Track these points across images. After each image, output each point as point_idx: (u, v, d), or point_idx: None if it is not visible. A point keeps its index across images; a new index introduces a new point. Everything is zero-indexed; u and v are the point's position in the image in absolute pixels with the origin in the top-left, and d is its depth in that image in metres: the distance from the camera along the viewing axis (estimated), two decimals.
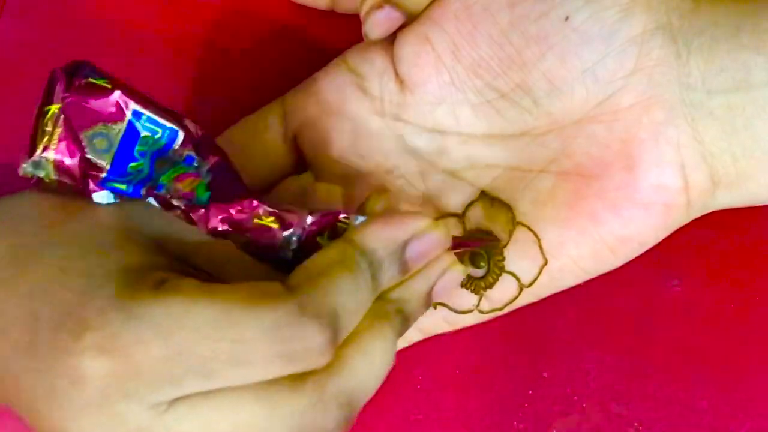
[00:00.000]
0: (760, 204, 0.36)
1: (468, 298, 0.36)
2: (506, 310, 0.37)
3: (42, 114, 0.30)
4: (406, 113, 0.37)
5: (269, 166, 0.38)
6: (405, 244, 0.32)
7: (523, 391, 0.40)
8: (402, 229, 0.32)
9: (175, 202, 0.31)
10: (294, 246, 0.32)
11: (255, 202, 0.32)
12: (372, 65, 0.37)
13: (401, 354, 0.37)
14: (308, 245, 0.32)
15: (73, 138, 0.30)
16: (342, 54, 0.38)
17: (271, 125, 0.38)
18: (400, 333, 0.32)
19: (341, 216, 0.32)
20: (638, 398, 0.39)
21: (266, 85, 0.40)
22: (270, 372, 0.28)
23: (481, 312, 0.37)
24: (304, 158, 0.38)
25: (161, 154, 0.31)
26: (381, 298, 0.32)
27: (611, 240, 0.35)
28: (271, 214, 0.32)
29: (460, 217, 0.36)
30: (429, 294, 0.33)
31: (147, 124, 0.31)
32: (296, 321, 0.28)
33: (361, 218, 0.32)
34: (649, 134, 0.34)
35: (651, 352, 0.40)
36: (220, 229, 0.31)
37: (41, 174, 0.31)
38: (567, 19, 0.34)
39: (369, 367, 0.31)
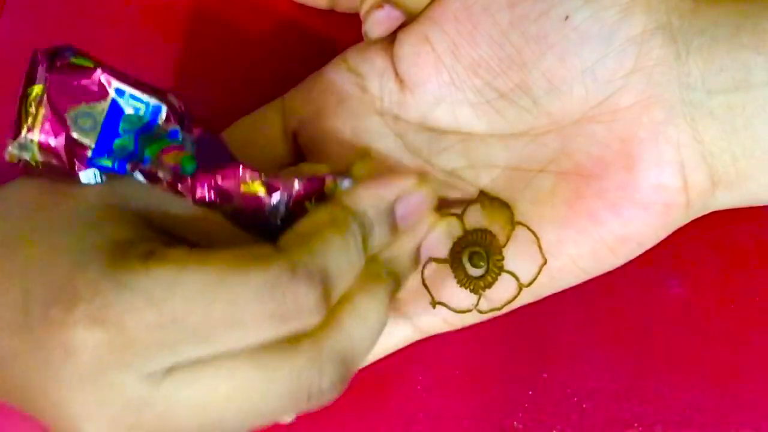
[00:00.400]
0: (760, 204, 0.36)
1: (467, 298, 0.36)
2: (505, 309, 0.37)
3: (25, 96, 0.30)
4: (405, 112, 0.37)
5: (269, 165, 0.38)
6: (393, 204, 0.32)
7: (523, 391, 0.40)
8: (390, 189, 0.32)
9: (160, 174, 0.31)
10: (282, 212, 0.32)
11: (240, 168, 0.32)
12: (372, 65, 0.37)
13: (401, 354, 0.38)
14: (296, 211, 0.32)
15: (57, 118, 0.30)
16: (342, 53, 0.38)
17: (271, 124, 0.38)
18: (393, 293, 0.33)
19: (328, 180, 0.32)
20: (638, 398, 0.39)
21: (266, 84, 0.40)
22: (264, 333, 0.28)
23: (480, 312, 0.36)
24: (303, 157, 0.38)
25: (146, 130, 0.31)
26: (372, 259, 0.32)
27: (611, 240, 0.35)
28: (257, 178, 0.32)
29: (460, 216, 0.36)
30: (418, 252, 0.34)
31: (130, 101, 0.31)
32: (288, 280, 0.28)
33: (348, 181, 0.33)
34: (648, 134, 0.34)
35: (651, 352, 0.40)
36: (207, 198, 0.31)
37: (27, 156, 0.31)
38: (567, 18, 0.34)
39: (363, 327, 0.31)
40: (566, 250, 0.35)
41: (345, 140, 0.37)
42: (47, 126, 0.30)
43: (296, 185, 0.32)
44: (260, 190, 0.32)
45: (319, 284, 0.29)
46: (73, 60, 0.31)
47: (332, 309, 0.30)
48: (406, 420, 0.40)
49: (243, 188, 0.32)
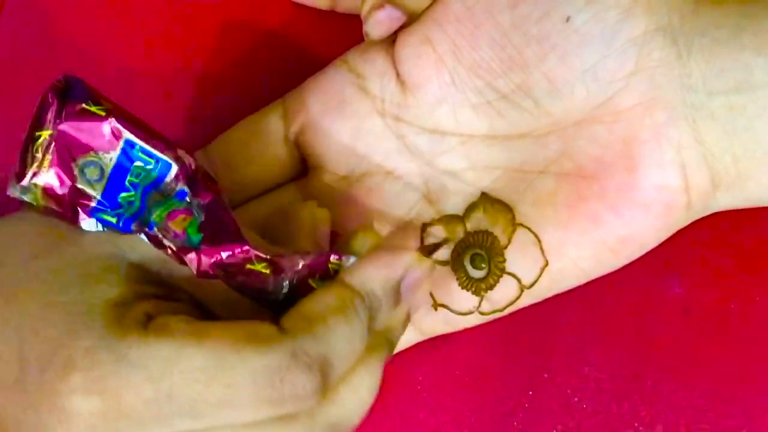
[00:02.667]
0: (761, 205, 0.36)
1: (469, 300, 0.36)
2: (507, 311, 0.37)
3: (33, 138, 0.30)
4: (406, 114, 0.37)
5: (270, 166, 0.38)
6: (399, 282, 0.32)
7: (523, 391, 0.40)
8: (397, 268, 0.32)
9: (166, 242, 0.31)
10: (285, 290, 0.32)
11: (247, 247, 0.31)
12: (373, 65, 0.37)
13: (402, 354, 0.38)
14: (299, 287, 0.32)
15: (63, 167, 0.30)
16: (343, 54, 0.38)
17: (272, 125, 0.38)
18: (386, 360, 0.33)
19: (332, 258, 0.32)
20: (638, 398, 0.39)
21: (267, 85, 0.40)
22: (259, 415, 0.28)
23: (482, 313, 0.37)
24: (305, 158, 0.38)
25: (153, 187, 0.31)
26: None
27: (612, 241, 0.35)
28: (263, 260, 0.31)
29: (461, 218, 0.36)
30: (409, 316, 0.34)
31: (140, 154, 0.31)
32: (288, 368, 0.28)
33: (352, 259, 0.32)
34: (650, 135, 0.34)
35: (651, 352, 0.40)
36: (210, 272, 0.31)
37: (29, 199, 0.30)
38: (568, 19, 0.34)
39: (357, 399, 0.31)
40: (567, 251, 0.35)
41: (346, 142, 0.37)
42: (53, 173, 0.30)
43: (300, 265, 0.32)
44: (265, 271, 0.31)
45: (319, 372, 0.29)
46: (85, 106, 0.30)
47: None
48: (406, 420, 0.40)
49: (248, 266, 0.31)
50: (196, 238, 0.31)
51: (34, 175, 0.30)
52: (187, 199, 0.31)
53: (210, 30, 0.42)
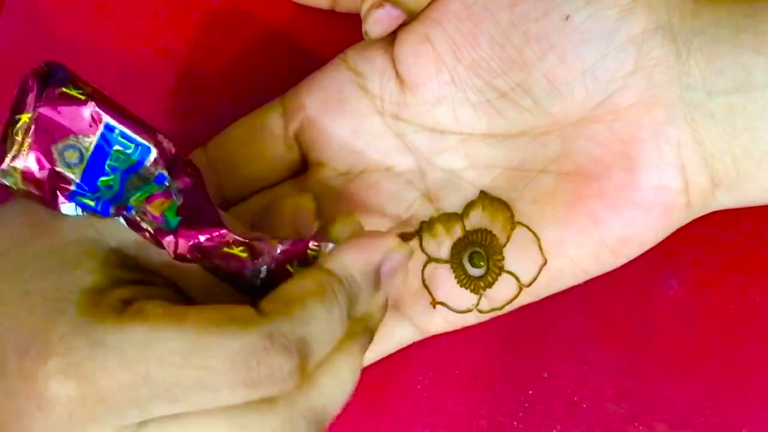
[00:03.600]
0: (760, 204, 0.36)
1: (467, 298, 0.36)
2: (506, 309, 0.37)
3: (13, 122, 0.30)
4: (406, 112, 0.37)
5: (269, 164, 0.38)
6: (379, 266, 0.32)
7: (523, 391, 0.40)
8: (376, 252, 0.32)
9: (144, 225, 0.31)
10: (263, 275, 0.32)
11: (224, 231, 0.31)
12: (372, 64, 0.37)
13: (402, 354, 0.38)
14: (277, 272, 0.32)
15: (43, 150, 0.30)
16: (342, 53, 0.38)
17: (272, 124, 0.38)
18: (366, 347, 0.33)
19: (311, 244, 0.32)
20: (638, 398, 0.39)
21: (266, 84, 0.40)
22: (236, 397, 0.28)
23: (481, 311, 0.36)
24: (304, 157, 0.38)
25: (132, 171, 0.31)
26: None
27: (611, 240, 0.35)
28: (240, 243, 0.31)
29: (460, 216, 0.36)
30: (386, 302, 0.34)
31: (120, 139, 0.31)
32: (264, 349, 0.28)
33: (331, 245, 0.32)
34: (649, 134, 0.34)
35: (651, 352, 0.40)
36: (187, 255, 0.31)
37: (8, 182, 0.30)
38: (567, 18, 0.34)
39: (337, 385, 0.31)
40: (566, 250, 0.35)
41: (345, 140, 0.37)
42: (32, 156, 0.30)
43: (279, 250, 0.32)
44: (243, 255, 0.31)
45: (296, 355, 0.28)
46: (65, 90, 0.30)
47: None
48: (406, 419, 0.40)
49: (225, 250, 0.31)
50: (173, 221, 0.31)
51: (14, 158, 0.30)
52: (166, 183, 0.31)
53: (210, 29, 0.42)
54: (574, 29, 0.34)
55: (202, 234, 0.31)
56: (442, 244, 0.37)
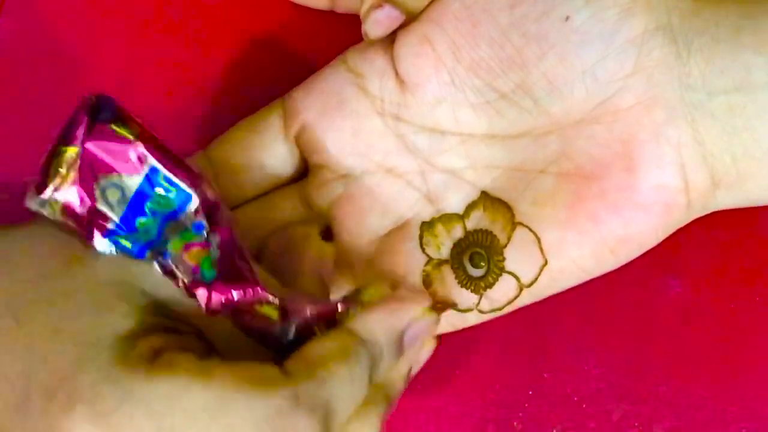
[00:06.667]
0: (761, 204, 0.36)
1: (468, 298, 0.36)
2: (506, 310, 0.37)
3: (57, 153, 0.30)
4: (406, 113, 0.37)
5: (270, 165, 0.38)
6: (403, 332, 0.32)
7: (523, 391, 0.40)
8: (401, 318, 0.32)
9: (178, 273, 0.31)
10: (291, 334, 0.32)
11: (258, 289, 0.31)
12: (372, 65, 0.37)
13: None
14: (304, 332, 0.32)
15: (85, 186, 0.30)
16: (342, 54, 0.38)
17: (272, 125, 0.38)
18: (385, 416, 0.33)
19: (341, 307, 0.32)
20: (638, 398, 0.39)
21: (267, 85, 0.40)
22: None
23: (481, 312, 0.37)
24: (304, 158, 0.38)
25: (171, 217, 0.31)
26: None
27: (611, 241, 0.35)
28: (272, 304, 0.31)
29: (461, 217, 0.36)
30: (409, 372, 0.34)
31: (162, 182, 0.31)
32: (290, 412, 0.28)
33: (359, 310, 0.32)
34: (649, 135, 0.34)
35: (651, 352, 0.40)
36: (219, 310, 0.31)
37: (46, 212, 0.30)
38: (567, 19, 0.34)
39: None
40: (567, 250, 0.35)
41: (345, 141, 0.37)
42: (74, 191, 0.30)
43: (308, 312, 0.32)
44: (273, 314, 0.31)
45: (321, 417, 0.29)
46: (114, 127, 0.30)
47: None
48: (406, 419, 0.40)
49: (257, 308, 0.31)
50: (209, 273, 0.31)
51: (56, 190, 0.30)
52: (204, 233, 0.31)
53: (209, 30, 0.42)
54: (573, 30, 0.34)
55: (236, 290, 0.31)
56: (442, 244, 0.37)
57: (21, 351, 0.29)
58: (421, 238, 0.37)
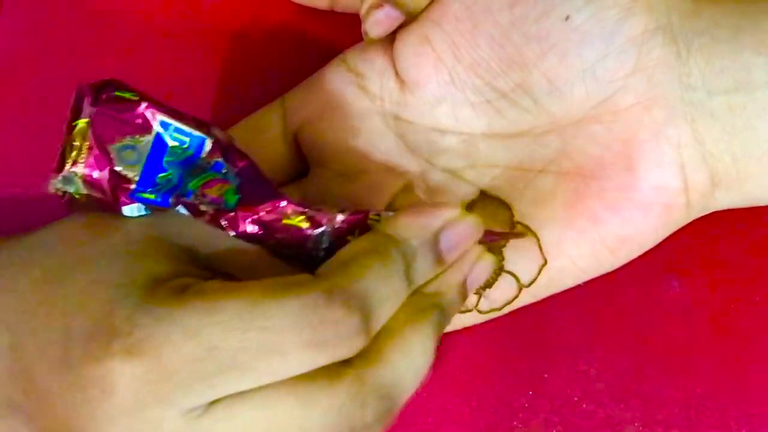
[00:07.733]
0: (761, 204, 0.36)
1: (467, 298, 0.36)
2: (506, 310, 0.37)
3: (70, 130, 0.30)
4: (406, 112, 0.37)
5: (270, 165, 0.38)
6: (438, 234, 0.32)
7: (523, 391, 0.40)
8: (434, 218, 0.32)
9: (203, 207, 0.31)
10: (325, 245, 0.32)
11: (284, 202, 0.31)
12: (372, 65, 0.37)
13: None
14: (339, 244, 0.32)
15: (101, 151, 0.30)
16: (342, 53, 0.38)
17: (272, 125, 0.38)
18: (440, 328, 0.32)
19: (372, 213, 0.32)
20: (638, 398, 0.39)
21: (266, 85, 0.40)
22: (303, 361, 0.28)
23: (480, 312, 0.36)
24: (304, 158, 0.38)
25: (190, 163, 0.31)
26: (418, 292, 0.32)
27: (611, 240, 0.35)
28: (300, 213, 0.32)
29: None
30: (464, 285, 0.33)
31: (175, 134, 0.31)
32: (324, 305, 0.28)
33: (391, 214, 0.32)
34: (649, 134, 0.34)
35: (651, 352, 0.40)
36: (249, 231, 0.31)
37: (71, 189, 0.31)
38: (567, 18, 0.34)
39: (408, 362, 0.30)
40: (566, 250, 0.35)
41: (345, 140, 0.37)
42: (91, 159, 0.30)
43: (339, 219, 0.32)
44: (304, 225, 0.32)
45: (358, 309, 0.28)
46: (118, 93, 0.30)
47: (377, 342, 0.29)
48: (406, 419, 0.40)
49: (285, 221, 0.31)
50: (232, 200, 0.31)
51: (74, 163, 0.30)
52: (223, 170, 0.31)
53: (209, 30, 0.42)
54: (574, 29, 0.34)
55: (262, 208, 0.31)
56: None
57: (59, 309, 0.29)
58: None
